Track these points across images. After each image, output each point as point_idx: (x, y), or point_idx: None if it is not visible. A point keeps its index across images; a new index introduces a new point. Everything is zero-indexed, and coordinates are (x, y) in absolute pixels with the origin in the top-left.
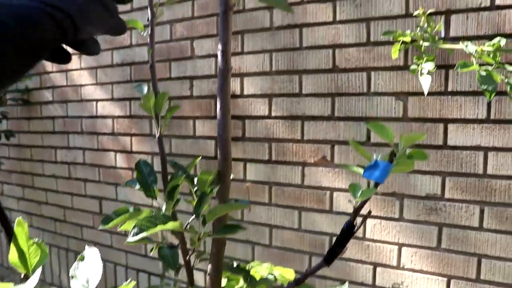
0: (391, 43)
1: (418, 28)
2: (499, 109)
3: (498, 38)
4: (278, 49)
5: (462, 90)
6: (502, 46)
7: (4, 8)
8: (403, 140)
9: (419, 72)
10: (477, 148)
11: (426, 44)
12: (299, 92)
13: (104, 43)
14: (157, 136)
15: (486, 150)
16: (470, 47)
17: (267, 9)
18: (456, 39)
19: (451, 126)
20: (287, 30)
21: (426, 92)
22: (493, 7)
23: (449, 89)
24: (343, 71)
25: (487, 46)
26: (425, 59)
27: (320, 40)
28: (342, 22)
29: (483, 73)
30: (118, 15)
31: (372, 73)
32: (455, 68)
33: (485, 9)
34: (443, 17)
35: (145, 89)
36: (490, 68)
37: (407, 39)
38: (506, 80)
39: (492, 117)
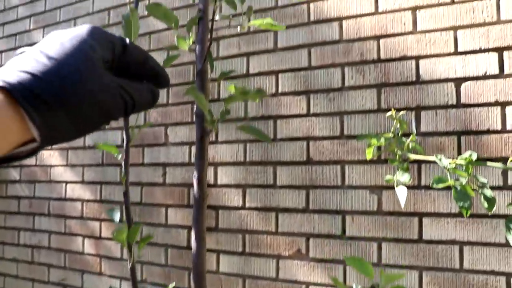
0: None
1: (392, 133)
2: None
3: (469, 152)
4: (252, 140)
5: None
6: (473, 160)
7: (98, 86)
8: (383, 279)
9: (394, 183)
10: (452, 242)
11: (400, 152)
12: (273, 184)
13: None
14: (129, 266)
15: (461, 244)
16: (444, 161)
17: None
18: (426, 134)
19: (425, 220)
20: (261, 121)
21: (403, 204)
22: (459, 105)
23: (422, 183)
24: (318, 164)
25: (460, 160)
26: (399, 171)
27: (295, 132)
28: (316, 115)
29: (458, 188)
30: (158, 98)
31: (346, 166)
32: (430, 184)
33: (452, 106)
34: (413, 113)
35: (117, 216)
36: (463, 180)
37: (381, 143)
38: (480, 191)
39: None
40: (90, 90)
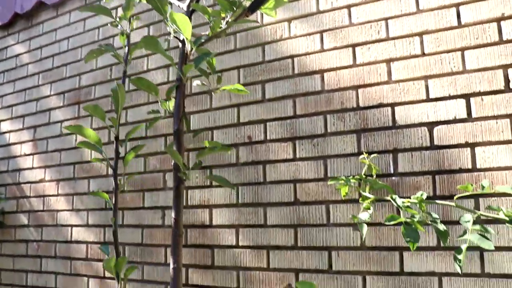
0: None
1: (363, 175)
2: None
3: (420, 192)
4: (243, 183)
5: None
6: (424, 199)
7: None
8: None
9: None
10: (431, 274)
11: (363, 193)
12: (264, 223)
13: (80, 171)
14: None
15: (440, 275)
16: (398, 200)
17: (234, 146)
18: (404, 174)
19: (405, 254)
20: (251, 166)
21: (363, 239)
22: (433, 147)
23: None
24: (304, 204)
25: (413, 199)
26: (362, 210)
27: (282, 175)
28: (301, 159)
29: (407, 227)
30: None
31: (331, 206)
32: (384, 220)
33: (426, 148)
34: (391, 155)
35: (108, 250)
36: (416, 217)
37: (354, 180)
38: (434, 225)
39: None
40: None
